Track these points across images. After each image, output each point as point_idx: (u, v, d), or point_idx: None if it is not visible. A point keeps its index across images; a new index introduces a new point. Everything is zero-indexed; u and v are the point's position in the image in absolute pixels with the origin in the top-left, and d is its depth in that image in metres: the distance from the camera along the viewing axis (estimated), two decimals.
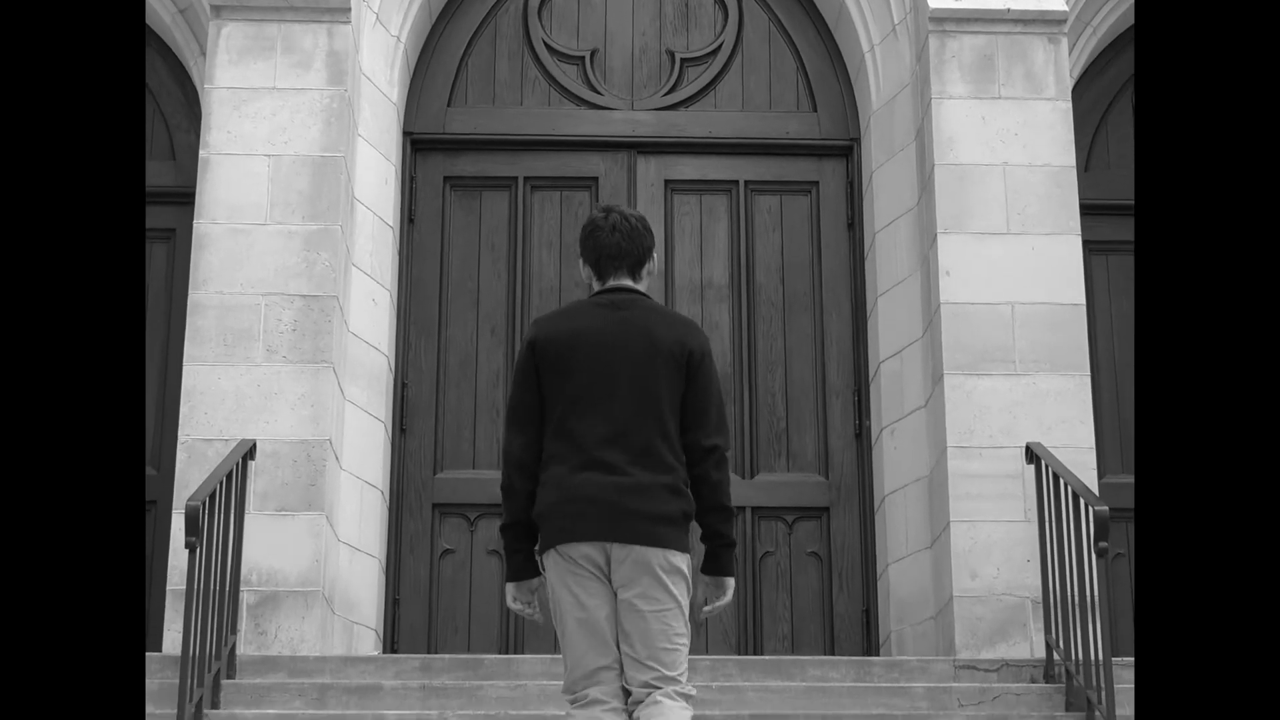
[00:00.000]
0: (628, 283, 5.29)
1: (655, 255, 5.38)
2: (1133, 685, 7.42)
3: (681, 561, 5.00)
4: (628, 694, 5.01)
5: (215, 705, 7.18)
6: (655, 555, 4.96)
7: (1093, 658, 7.09)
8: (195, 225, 8.73)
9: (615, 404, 5.05)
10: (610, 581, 4.99)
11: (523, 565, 5.19)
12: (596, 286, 5.32)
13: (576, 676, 5.03)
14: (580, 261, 5.40)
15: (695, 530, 5.17)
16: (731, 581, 5.20)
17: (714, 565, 5.17)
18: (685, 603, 5.03)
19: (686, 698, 4.98)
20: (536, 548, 5.15)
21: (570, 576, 5.02)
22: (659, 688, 4.93)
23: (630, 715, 4.99)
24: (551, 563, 5.06)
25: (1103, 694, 6.92)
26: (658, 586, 4.96)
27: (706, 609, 5.26)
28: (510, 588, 5.24)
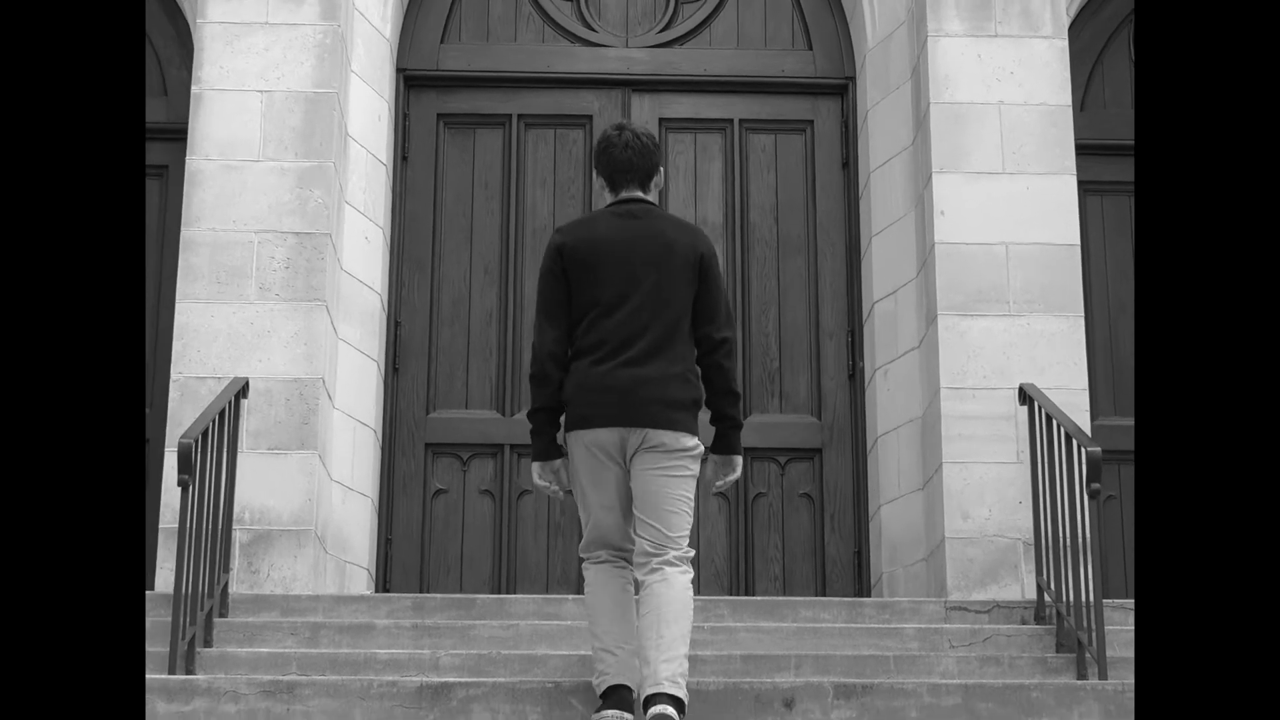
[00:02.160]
0: (638, 194, 5.82)
1: (662, 169, 5.91)
2: (1123, 627, 7.45)
3: (689, 441, 5.59)
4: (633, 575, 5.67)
5: (208, 643, 7.20)
6: (666, 436, 5.54)
7: (1084, 599, 7.11)
8: (188, 162, 8.70)
9: (636, 303, 5.61)
10: (625, 461, 5.60)
11: (547, 447, 5.75)
12: (610, 197, 5.85)
13: (591, 539, 5.71)
14: (594, 173, 5.91)
15: (706, 414, 5.80)
16: (739, 459, 5.81)
17: (723, 445, 5.77)
18: (691, 479, 5.62)
19: (686, 561, 5.57)
20: (561, 432, 5.72)
21: (589, 459, 5.61)
22: (660, 554, 5.53)
23: (635, 580, 5.62)
24: (574, 444, 5.64)
25: (1093, 635, 6.94)
26: (667, 460, 5.55)
27: (718, 484, 5.88)
28: (536, 467, 5.80)
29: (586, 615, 5.77)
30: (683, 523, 5.58)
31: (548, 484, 5.82)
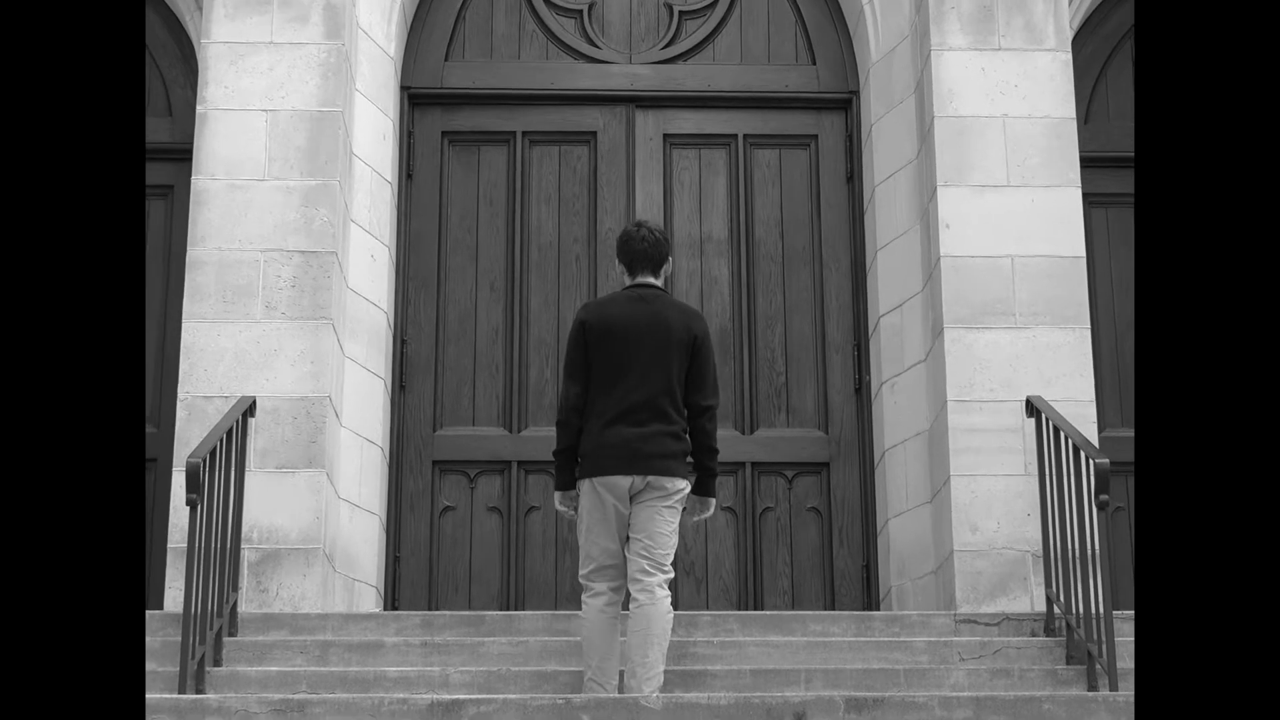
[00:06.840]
0: (650, 279, 7.05)
1: (671, 259, 7.17)
2: (1133, 638, 7.44)
3: (680, 484, 6.81)
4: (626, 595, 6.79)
5: (218, 663, 7.20)
6: (664, 481, 6.75)
7: (1093, 611, 7.10)
8: (193, 181, 8.71)
9: (639, 373, 6.81)
10: (630, 501, 6.76)
11: (568, 479, 6.90)
12: (627, 281, 7.07)
13: (589, 570, 6.78)
14: (615, 260, 7.14)
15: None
16: (714, 501, 7.06)
17: (701, 488, 6.98)
18: (678, 512, 6.85)
19: (668, 583, 6.76)
20: (576, 472, 6.86)
21: (598, 500, 6.77)
22: (651, 575, 6.70)
23: (628, 599, 6.70)
24: (587, 488, 6.80)
25: (1103, 647, 6.93)
26: (660, 501, 6.76)
27: (695, 518, 7.08)
28: (558, 495, 6.96)
29: (582, 642, 6.78)
30: (669, 545, 6.81)
31: (566, 509, 6.97)
